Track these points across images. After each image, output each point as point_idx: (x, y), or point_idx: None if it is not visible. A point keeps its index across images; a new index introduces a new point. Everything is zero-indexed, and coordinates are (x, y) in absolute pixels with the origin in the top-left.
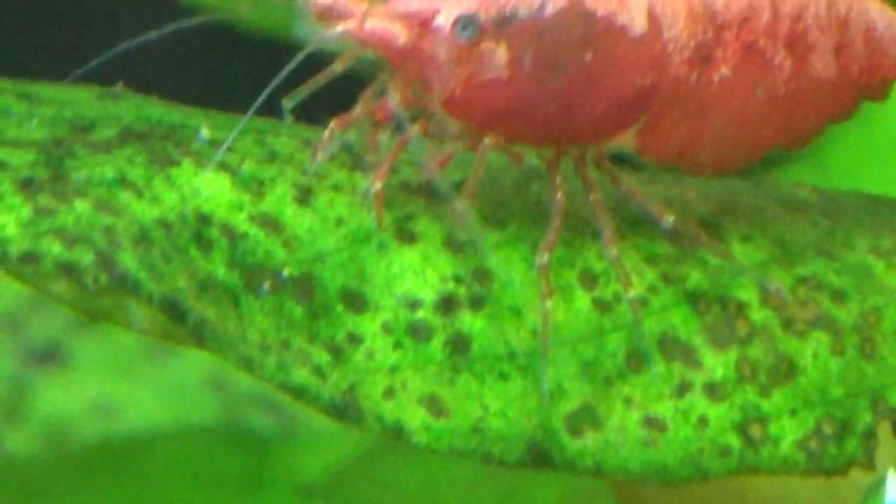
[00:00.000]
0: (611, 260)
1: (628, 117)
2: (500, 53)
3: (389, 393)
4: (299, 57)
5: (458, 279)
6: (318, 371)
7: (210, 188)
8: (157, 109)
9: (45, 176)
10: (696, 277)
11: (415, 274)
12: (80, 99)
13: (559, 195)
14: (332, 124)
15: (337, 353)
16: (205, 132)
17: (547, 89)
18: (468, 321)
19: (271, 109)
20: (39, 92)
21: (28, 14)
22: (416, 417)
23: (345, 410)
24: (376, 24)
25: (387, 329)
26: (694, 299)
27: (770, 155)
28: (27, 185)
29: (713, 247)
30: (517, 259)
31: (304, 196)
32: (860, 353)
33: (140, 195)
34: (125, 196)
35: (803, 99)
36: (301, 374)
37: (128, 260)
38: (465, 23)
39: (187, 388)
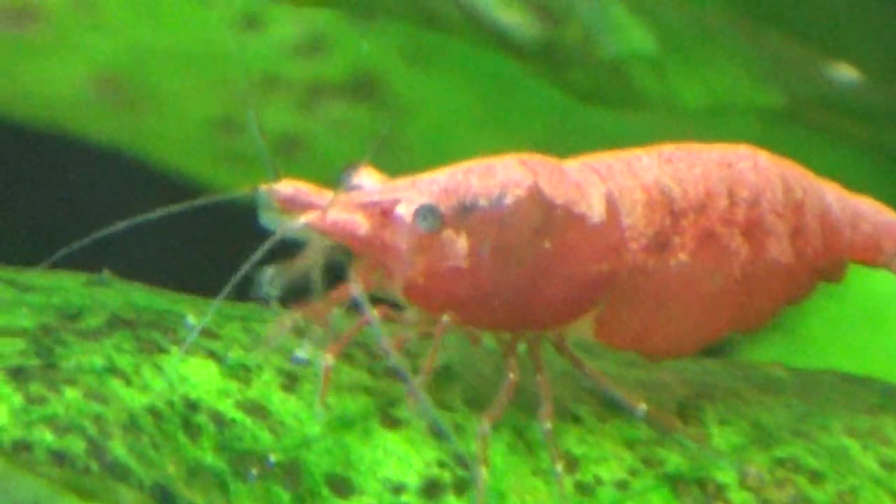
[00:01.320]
0: (544, 433)
1: (586, 304)
2: (461, 242)
3: None
4: (265, 247)
5: (441, 464)
6: None
7: (197, 375)
8: (143, 296)
9: (36, 364)
10: (675, 460)
11: (399, 459)
12: (67, 286)
13: (511, 376)
14: (293, 309)
15: None
16: (190, 319)
17: (506, 277)
18: None
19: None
20: (26, 279)
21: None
22: None
23: None
24: (338, 215)
25: None
26: (673, 482)
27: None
28: (18, 374)
29: (687, 433)
30: (499, 442)
31: (291, 383)
32: None
33: (129, 382)
34: (114, 384)
35: (760, 283)
36: None
37: (118, 448)
38: (426, 213)
39: None
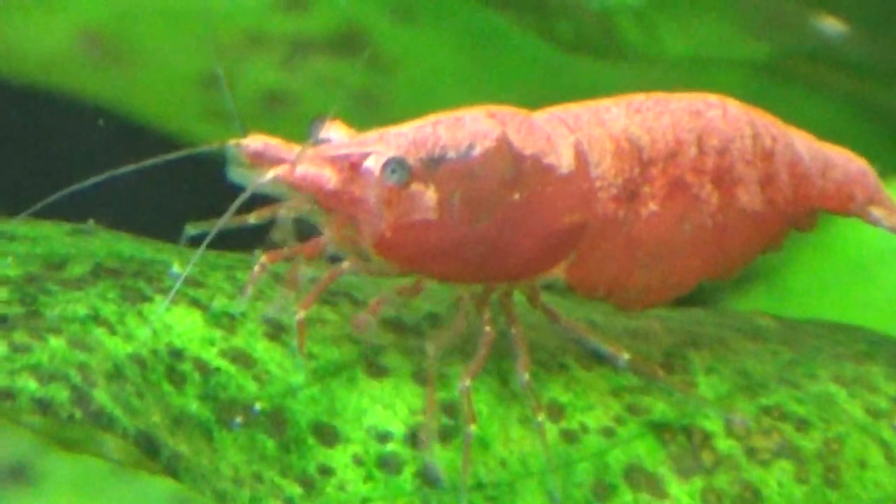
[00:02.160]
0: (523, 385)
1: (557, 254)
2: (430, 195)
3: None
4: (237, 203)
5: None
6: (291, 503)
7: (182, 324)
8: (129, 245)
9: (20, 313)
10: (661, 408)
11: (385, 407)
12: (52, 235)
13: (487, 329)
14: (263, 259)
15: (309, 486)
16: (175, 267)
17: (476, 229)
18: (438, 453)
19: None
20: (11, 228)
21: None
22: None
23: None
24: (306, 169)
25: (357, 461)
26: (659, 430)
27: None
28: (2, 323)
29: (670, 381)
30: (484, 391)
31: (275, 331)
32: (824, 481)
33: (113, 331)
34: (98, 332)
35: (731, 231)
36: None
37: (102, 396)
38: (395, 166)
39: None
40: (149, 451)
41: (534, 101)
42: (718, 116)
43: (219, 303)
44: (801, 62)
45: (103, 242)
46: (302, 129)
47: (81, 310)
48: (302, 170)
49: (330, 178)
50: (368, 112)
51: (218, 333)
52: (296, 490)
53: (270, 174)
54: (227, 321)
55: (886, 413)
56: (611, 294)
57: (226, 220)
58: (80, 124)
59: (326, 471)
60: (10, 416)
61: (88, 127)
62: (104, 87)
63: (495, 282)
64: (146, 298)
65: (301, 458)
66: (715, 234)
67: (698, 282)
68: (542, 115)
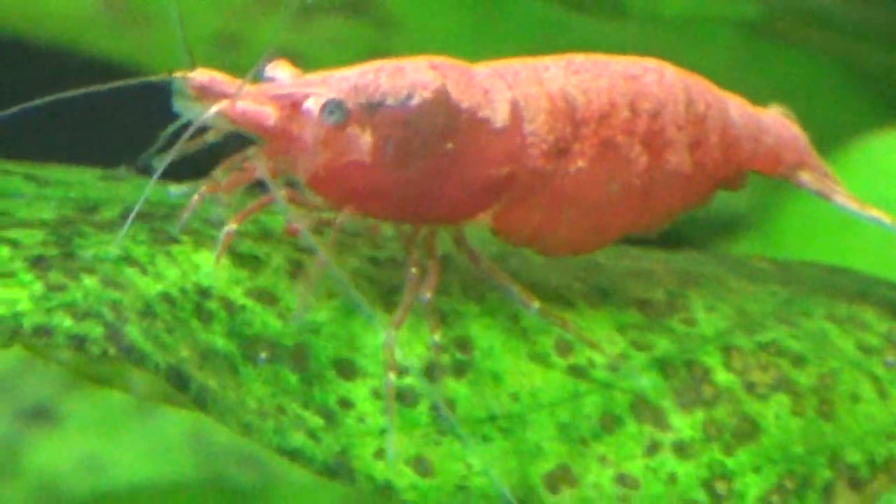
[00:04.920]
0: (424, 302)
1: (484, 203)
2: (365, 138)
3: (379, 454)
4: (185, 137)
5: (442, 348)
6: (313, 435)
7: (209, 264)
8: (157, 190)
9: (55, 254)
10: (663, 345)
11: (401, 344)
12: (85, 180)
13: (413, 270)
14: (202, 188)
15: (329, 418)
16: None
17: (408, 174)
18: (452, 387)
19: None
20: (46, 174)
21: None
22: (404, 477)
23: (338, 471)
24: (248, 105)
25: (376, 395)
26: (662, 365)
27: (723, 226)
28: (38, 263)
29: (577, 332)
30: (496, 328)
31: (298, 271)
32: (819, 413)
33: (144, 271)
34: (130, 272)
35: (657, 191)
36: (297, 438)
37: (134, 333)
38: (333, 107)
39: (170, 443)
40: (178, 384)
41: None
42: (654, 81)
43: (244, 245)
44: (793, 22)
45: (133, 187)
46: None
47: (114, 251)
48: (243, 105)
49: (270, 115)
50: None
51: (243, 273)
52: (317, 421)
53: (213, 108)
54: (251, 261)
55: (877, 349)
56: (534, 242)
57: (176, 152)
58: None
59: (346, 403)
60: (44, 352)
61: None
62: (126, 48)
63: (422, 223)
64: (175, 240)
65: (322, 392)
66: (641, 193)
67: (621, 235)
68: (483, 70)
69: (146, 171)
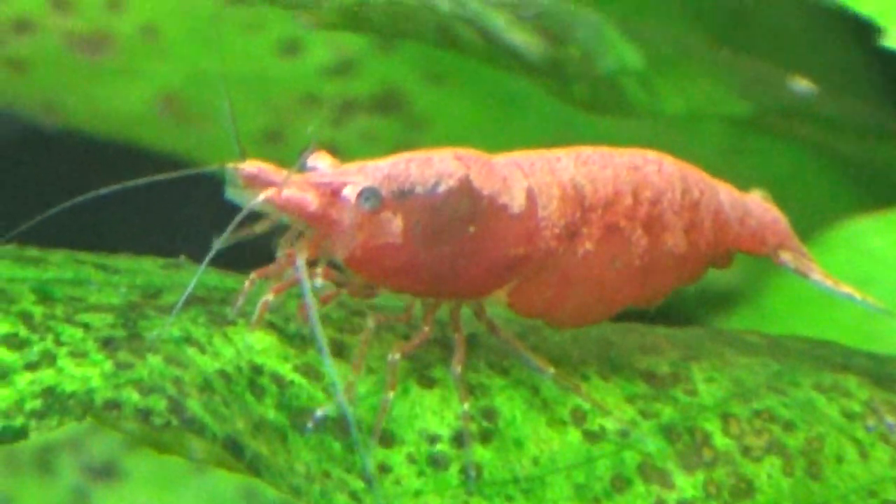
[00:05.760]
0: (455, 377)
1: (502, 280)
2: (397, 222)
3: None
4: (237, 220)
5: (470, 417)
6: (355, 496)
7: (261, 343)
8: (214, 277)
9: (123, 335)
10: (668, 413)
11: (434, 413)
12: (149, 269)
13: (426, 328)
14: (252, 275)
15: (370, 481)
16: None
17: (434, 255)
18: (479, 452)
19: None
20: (114, 263)
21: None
22: None
23: None
24: (292, 192)
25: (411, 460)
26: (667, 431)
27: (717, 301)
28: (108, 344)
29: (589, 397)
30: (518, 399)
31: (339, 349)
32: (807, 474)
33: (203, 350)
34: (190, 351)
35: (656, 269)
36: (341, 500)
37: (195, 405)
38: (369, 195)
39: (225, 498)
40: (234, 452)
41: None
42: (654, 171)
43: (292, 326)
44: (778, 117)
45: (192, 274)
46: None
47: (175, 332)
48: (288, 193)
49: (312, 201)
50: None
51: (292, 352)
52: (359, 485)
53: (261, 196)
54: (298, 341)
55: (859, 415)
56: (545, 315)
57: (227, 236)
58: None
59: (385, 468)
60: (114, 423)
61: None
62: (181, 144)
63: (446, 298)
64: (230, 322)
65: (363, 458)
66: (642, 271)
67: (622, 308)
68: (502, 160)
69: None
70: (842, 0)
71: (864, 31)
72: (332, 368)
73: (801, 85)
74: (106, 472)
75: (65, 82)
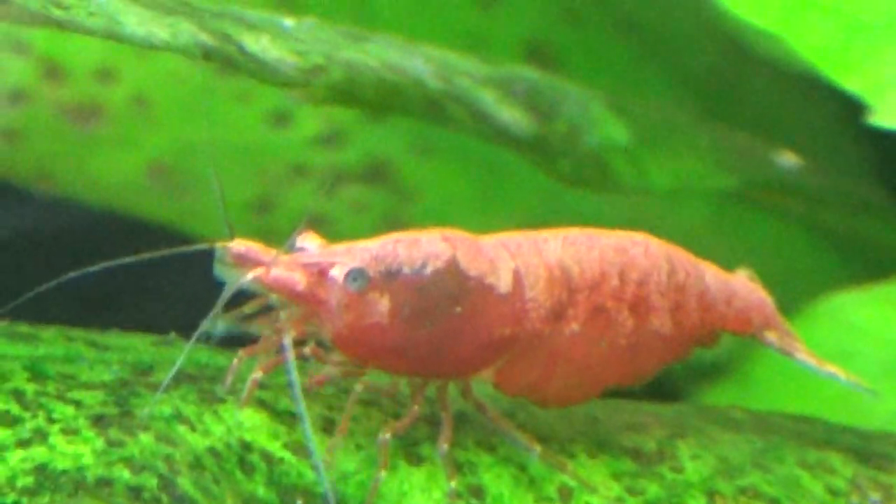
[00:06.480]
0: (442, 454)
1: (488, 360)
2: (384, 303)
3: None
4: (224, 298)
5: (458, 494)
6: None
7: (251, 421)
8: (205, 353)
9: (114, 413)
10: (654, 490)
11: (422, 490)
12: (139, 346)
13: (416, 408)
14: (240, 352)
15: None
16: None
17: (421, 335)
18: None
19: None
20: (105, 340)
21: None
22: None
23: None
24: (280, 272)
25: None
26: None
27: (704, 374)
28: (99, 421)
29: (575, 474)
30: (506, 476)
31: (329, 426)
32: None
33: (193, 428)
34: (181, 429)
35: (642, 349)
36: None
37: (185, 483)
38: (356, 275)
39: None
40: None
41: (535, 224)
42: (641, 253)
43: (282, 403)
44: (763, 191)
45: (182, 351)
46: None
47: (166, 409)
48: (276, 273)
49: (299, 281)
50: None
51: (282, 429)
52: None
53: (250, 275)
54: (288, 418)
55: (844, 492)
56: (531, 394)
57: (215, 314)
58: (149, 245)
59: None
60: (106, 500)
61: (154, 246)
62: (169, 213)
63: (433, 377)
64: (220, 400)
65: None
66: (628, 351)
67: (608, 387)
68: (489, 241)
69: (206, 338)
70: (830, 77)
71: (851, 106)
72: (314, 443)
73: (787, 159)
74: None
75: (58, 151)
